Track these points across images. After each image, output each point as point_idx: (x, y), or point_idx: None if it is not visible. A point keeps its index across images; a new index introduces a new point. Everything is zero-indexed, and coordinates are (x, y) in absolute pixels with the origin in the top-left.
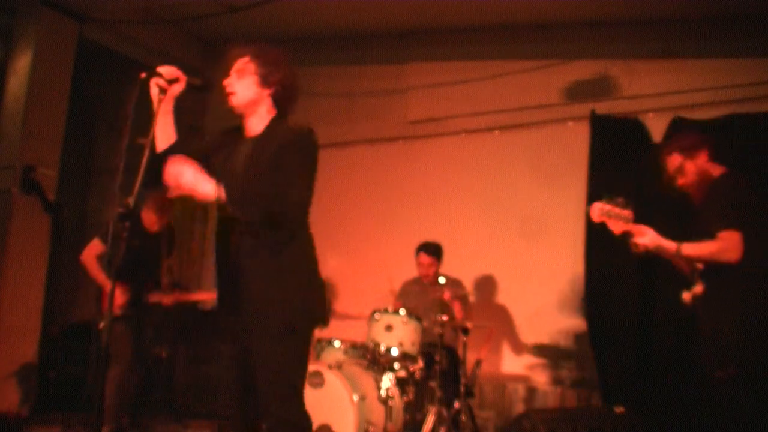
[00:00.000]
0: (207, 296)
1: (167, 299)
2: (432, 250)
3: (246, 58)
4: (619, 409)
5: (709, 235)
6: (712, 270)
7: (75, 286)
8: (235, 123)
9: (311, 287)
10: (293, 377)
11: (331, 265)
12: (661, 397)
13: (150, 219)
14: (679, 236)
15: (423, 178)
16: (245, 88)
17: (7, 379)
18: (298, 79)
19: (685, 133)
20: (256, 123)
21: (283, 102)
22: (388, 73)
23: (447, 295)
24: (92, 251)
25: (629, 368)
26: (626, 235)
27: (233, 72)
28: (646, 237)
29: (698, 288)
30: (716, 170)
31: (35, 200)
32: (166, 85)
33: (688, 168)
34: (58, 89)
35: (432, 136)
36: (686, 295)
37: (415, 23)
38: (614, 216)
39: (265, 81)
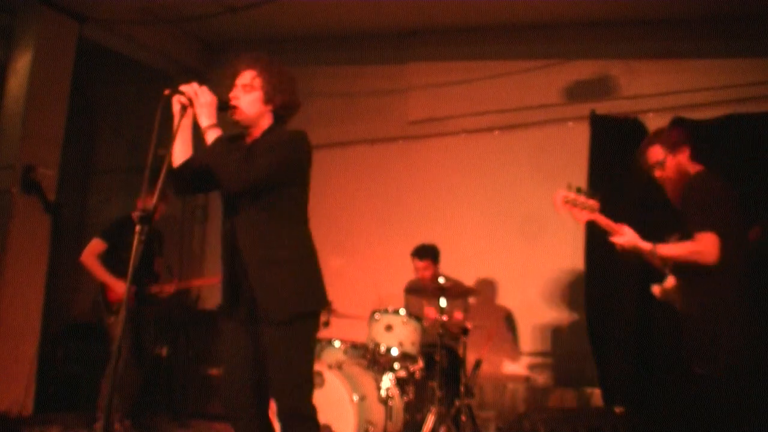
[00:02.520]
0: (208, 281)
1: (169, 287)
2: (425, 254)
3: (253, 73)
4: (619, 409)
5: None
6: (683, 266)
7: (75, 286)
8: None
9: (312, 274)
10: (303, 366)
11: (331, 265)
12: (661, 397)
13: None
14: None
15: (423, 178)
16: (250, 105)
17: (7, 379)
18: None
19: (670, 128)
20: (256, 132)
21: (282, 115)
22: (388, 73)
23: (459, 315)
24: (93, 251)
25: (629, 368)
26: (592, 225)
27: (239, 85)
28: (624, 237)
29: (669, 282)
30: (693, 168)
31: (35, 200)
32: (187, 102)
33: (669, 163)
34: (58, 89)
35: (432, 136)
36: (656, 289)
37: (415, 23)
38: (579, 205)
39: (269, 99)
